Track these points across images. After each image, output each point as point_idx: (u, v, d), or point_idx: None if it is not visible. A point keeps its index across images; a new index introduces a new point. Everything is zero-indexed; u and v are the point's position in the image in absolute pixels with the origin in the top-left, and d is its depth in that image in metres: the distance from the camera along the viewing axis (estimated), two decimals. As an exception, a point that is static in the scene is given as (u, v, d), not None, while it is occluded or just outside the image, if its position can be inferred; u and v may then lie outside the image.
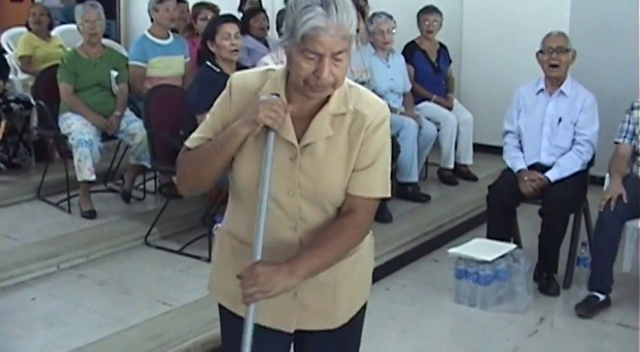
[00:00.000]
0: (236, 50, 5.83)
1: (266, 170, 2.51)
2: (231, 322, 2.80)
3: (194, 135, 2.69)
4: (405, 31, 8.00)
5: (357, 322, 2.90)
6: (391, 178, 6.82)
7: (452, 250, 5.48)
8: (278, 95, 2.55)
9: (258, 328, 2.59)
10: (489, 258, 5.27)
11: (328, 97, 2.58)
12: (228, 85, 2.69)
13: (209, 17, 7.75)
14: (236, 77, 2.71)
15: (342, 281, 2.77)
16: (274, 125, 2.50)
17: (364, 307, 2.91)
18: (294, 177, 2.59)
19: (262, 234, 2.52)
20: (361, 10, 7.11)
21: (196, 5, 8.32)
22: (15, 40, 9.17)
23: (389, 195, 2.72)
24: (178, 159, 2.73)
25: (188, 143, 2.69)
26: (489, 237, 5.70)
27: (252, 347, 2.56)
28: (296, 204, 2.62)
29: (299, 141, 2.59)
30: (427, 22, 7.95)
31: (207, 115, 2.72)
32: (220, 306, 2.86)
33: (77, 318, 4.82)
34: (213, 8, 8.21)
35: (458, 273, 5.42)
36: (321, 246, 2.59)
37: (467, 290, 5.38)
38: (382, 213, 6.58)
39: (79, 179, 6.38)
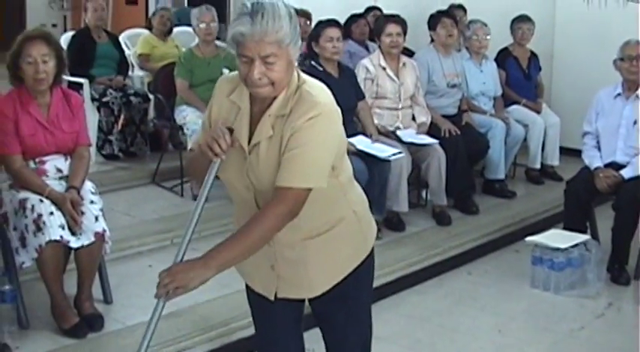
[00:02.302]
0: (337, 52, 6.38)
1: (204, 191, 2.90)
2: (252, 295, 3.32)
3: (195, 136, 3.20)
4: (500, 39, 8.38)
5: (353, 284, 3.17)
6: (480, 175, 7.36)
7: (529, 238, 5.93)
8: (231, 130, 2.86)
9: (267, 300, 3.16)
10: (563, 246, 5.72)
11: (274, 99, 2.89)
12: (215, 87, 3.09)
13: (301, 24, 8.35)
14: (220, 80, 3.09)
15: (312, 259, 3.07)
16: (216, 158, 2.83)
17: (360, 267, 3.17)
18: (246, 174, 2.93)
19: (186, 243, 3.00)
20: (456, 20, 7.65)
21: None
22: (132, 40, 9.77)
23: (310, 185, 2.86)
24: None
25: (190, 144, 3.19)
26: (565, 228, 6.15)
27: (268, 315, 3.20)
28: (253, 197, 2.98)
29: (250, 141, 2.91)
30: (520, 31, 8.35)
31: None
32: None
33: (189, 283, 5.42)
34: (306, 15, 8.81)
35: (534, 260, 5.87)
36: (234, 238, 2.90)
37: (542, 276, 5.83)
38: (469, 205, 7.09)
39: (193, 166, 6.99)
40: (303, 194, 2.88)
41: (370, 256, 3.27)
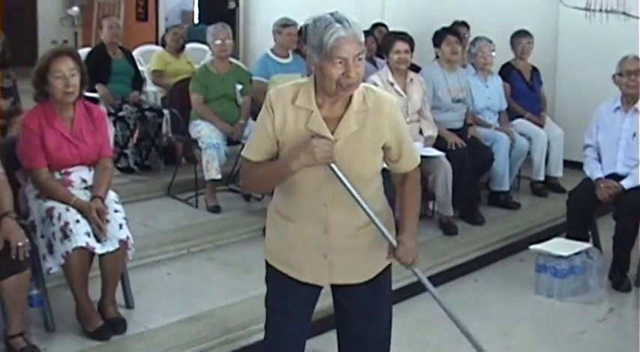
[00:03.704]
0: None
1: (349, 187, 3.33)
2: (276, 279, 3.64)
3: (250, 145, 3.51)
4: (503, 53, 8.57)
5: (383, 278, 3.62)
6: (485, 187, 7.54)
7: (533, 246, 6.15)
8: (324, 136, 3.30)
9: (295, 282, 3.52)
10: (566, 254, 5.94)
11: (350, 100, 3.34)
12: (267, 100, 3.43)
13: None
14: (274, 92, 3.45)
15: (363, 247, 3.51)
16: (330, 160, 3.28)
17: (388, 268, 3.64)
18: (329, 166, 3.32)
19: (382, 225, 3.45)
20: (460, 37, 7.87)
21: (301, 30, 9.15)
22: (146, 56, 10.01)
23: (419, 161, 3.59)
24: (242, 170, 3.60)
25: (245, 154, 3.51)
26: (568, 237, 6.36)
27: (290, 297, 3.54)
28: (333, 186, 3.36)
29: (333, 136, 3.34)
30: (520, 45, 8.56)
31: (255, 130, 3.53)
32: (267, 265, 3.69)
33: (207, 289, 5.68)
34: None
35: (538, 267, 6.08)
36: (410, 209, 3.56)
37: (545, 283, 6.03)
38: (475, 216, 7.31)
39: (207, 178, 7.20)
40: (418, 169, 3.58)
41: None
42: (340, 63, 3.19)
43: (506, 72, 8.61)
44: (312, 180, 3.37)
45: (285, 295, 3.61)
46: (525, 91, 8.63)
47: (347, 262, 3.52)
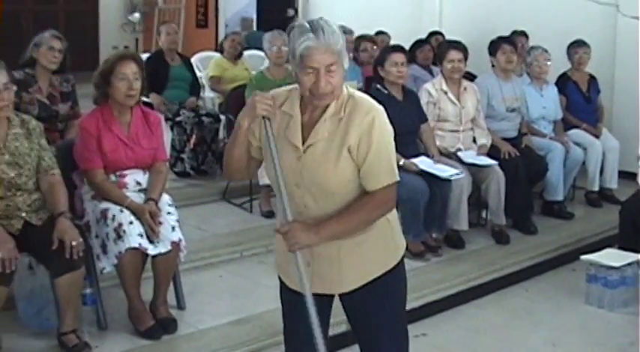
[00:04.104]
0: (402, 76, 6.64)
1: (272, 149, 3.23)
2: (284, 290, 3.64)
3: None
4: (561, 63, 8.56)
5: (384, 283, 3.48)
6: (539, 197, 7.53)
7: (584, 256, 6.14)
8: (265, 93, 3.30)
9: (299, 295, 3.37)
10: (617, 264, 5.92)
11: (328, 106, 3.29)
12: None
13: (368, 48, 8.80)
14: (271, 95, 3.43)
15: (346, 257, 3.43)
16: (269, 114, 3.25)
17: (389, 274, 3.49)
18: (299, 171, 3.30)
19: (286, 199, 3.25)
20: (516, 46, 7.87)
21: (357, 38, 9.24)
22: (204, 63, 10.15)
23: (396, 178, 3.36)
24: None
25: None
26: (620, 247, 6.33)
27: (298, 310, 3.39)
28: (302, 194, 3.33)
29: (304, 143, 3.30)
30: (577, 55, 8.50)
31: None
32: (279, 277, 3.68)
33: (257, 292, 5.73)
34: (372, 40, 9.14)
35: (589, 278, 6.07)
36: (340, 217, 3.31)
37: (596, 293, 6.02)
38: (528, 225, 7.30)
39: (261, 183, 7.22)
40: (394, 187, 3.37)
41: (400, 265, 3.60)
42: (311, 72, 3.19)
43: (563, 84, 8.56)
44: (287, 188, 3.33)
45: (293, 304, 3.57)
46: (581, 103, 8.57)
47: (328, 271, 3.47)
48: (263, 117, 3.26)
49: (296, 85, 3.38)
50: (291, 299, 3.57)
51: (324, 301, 3.53)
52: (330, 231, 3.31)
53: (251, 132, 3.37)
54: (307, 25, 3.19)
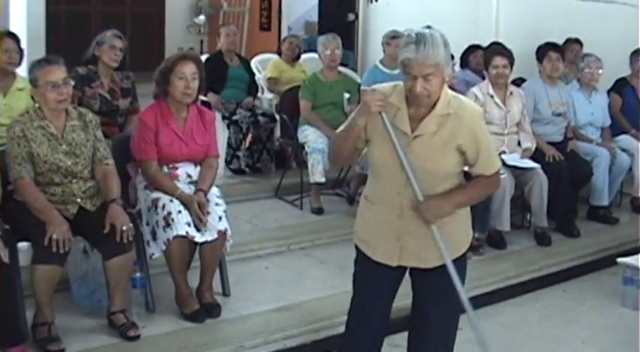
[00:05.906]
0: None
1: (394, 138, 3.72)
2: (362, 259, 4.09)
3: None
4: (616, 70, 8.64)
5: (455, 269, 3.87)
6: (586, 202, 7.60)
7: (621, 259, 6.28)
8: (374, 90, 3.83)
9: (376, 264, 3.97)
10: (652, 267, 6.06)
11: (435, 104, 3.77)
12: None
13: None
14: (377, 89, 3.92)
15: (432, 235, 3.84)
16: (384, 109, 3.74)
17: (461, 259, 3.99)
18: (405, 156, 3.74)
19: (414, 179, 3.74)
20: (562, 53, 7.98)
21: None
22: (263, 64, 10.36)
23: (499, 165, 4.00)
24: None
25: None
26: (661, 252, 6.44)
27: (372, 276, 4.01)
28: (402, 176, 3.78)
29: (412, 132, 3.79)
30: (639, 63, 8.55)
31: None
32: (357, 248, 4.12)
33: (301, 283, 6.02)
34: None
35: (625, 280, 6.21)
36: (464, 189, 3.94)
37: (632, 296, 6.15)
38: (571, 228, 7.45)
39: (311, 181, 7.51)
40: (499, 173, 3.99)
41: (465, 255, 4.07)
42: (410, 78, 3.70)
43: (620, 86, 8.67)
44: (388, 169, 3.83)
45: (368, 274, 4.05)
46: (635, 108, 8.62)
47: (416, 247, 3.91)
48: (379, 113, 3.74)
49: (400, 82, 3.86)
50: (369, 269, 4.05)
51: (397, 273, 4.04)
52: (457, 200, 3.87)
53: (362, 128, 3.85)
54: (413, 36, 3.66)
